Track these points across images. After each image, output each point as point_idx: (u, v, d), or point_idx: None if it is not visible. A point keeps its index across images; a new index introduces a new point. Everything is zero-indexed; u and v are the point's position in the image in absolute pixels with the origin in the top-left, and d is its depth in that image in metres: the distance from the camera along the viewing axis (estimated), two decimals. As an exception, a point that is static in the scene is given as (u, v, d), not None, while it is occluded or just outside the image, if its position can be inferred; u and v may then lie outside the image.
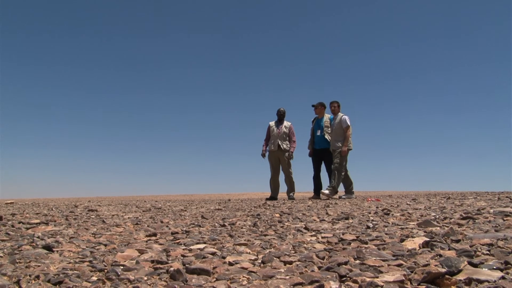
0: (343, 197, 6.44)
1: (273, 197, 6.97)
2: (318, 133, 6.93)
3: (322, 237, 1.71)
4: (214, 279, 1.08)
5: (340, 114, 6.67)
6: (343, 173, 6.48)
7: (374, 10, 27.50)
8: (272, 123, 7.19)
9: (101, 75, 26.14)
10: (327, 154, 6.76)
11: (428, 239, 1.43)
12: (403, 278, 0.97)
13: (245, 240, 1.68)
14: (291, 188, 6.97)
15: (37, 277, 1.08)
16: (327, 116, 7.02)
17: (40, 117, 24.48)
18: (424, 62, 26.98)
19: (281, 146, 6.86)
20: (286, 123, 7.04)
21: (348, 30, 28.74)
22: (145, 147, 26.73)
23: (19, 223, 2.53)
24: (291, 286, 0.97)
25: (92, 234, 2.02)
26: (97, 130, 26.02)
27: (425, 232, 1.70)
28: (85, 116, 25.60)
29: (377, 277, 1.00)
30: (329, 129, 6.87)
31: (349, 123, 6.50)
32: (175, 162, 26.12)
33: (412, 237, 1.56)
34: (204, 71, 28.76)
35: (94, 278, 1.10)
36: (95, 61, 26.41)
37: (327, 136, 6.79)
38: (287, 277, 1.05)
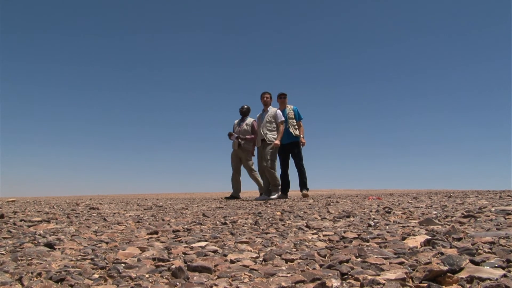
0: (258, 198, 6.12)
1: (233, 195, 6.70)
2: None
3: (323, 235, 1.71)
4: (216, 276, 1.08)
5: (272, 108, 6.30)
6: (275, 170, 6.11)
7: (374, 9, 27.39)
8: (236, 121, 6.92)
9: (103, 73, 26.16)
10: (295, 148, 6.28)
11: (430, 237, 1.43)
12: (405, 276, 0.97)
13: (246, 238, 1.69)
14: (259, 185, 6.61)
15: (39, 274, 1.09)
16: (290, 107, 6.46)
17: (41, 115, 24.52)
18: (425, 61, 26.91)
19: (241, 145, 6.60)
20: (248, 120, 6.74)
21: (348, 29, 28.64)
22: (146, 145, 26.76)
23: (21, 221, 2.54)
24: (293, 284, 0.97)
25: (94, 232, 2.02)
26: (98, 128, 26.07)
27: (426, 230, 1.70)
28: (87, 114, 25.64)
29: (379, 275, 1.00)
30: (294, 121, 6.34)
31: (283, 118, 6.16)
32: (176, 160, 26.14)
33: (414, 235, 1.56)
34: (204, 69, 28.74)
35: (96, 276, 1.10)
36: (96, 59, 26.42)
37: (292, 129, 6.25)
38: (289, 275, 1.05)
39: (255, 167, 6.64)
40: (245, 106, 6.86)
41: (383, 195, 6.55)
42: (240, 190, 6.82)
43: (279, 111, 6.23)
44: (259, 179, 6.61)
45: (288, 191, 6.40)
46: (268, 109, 6.32)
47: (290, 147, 6.31)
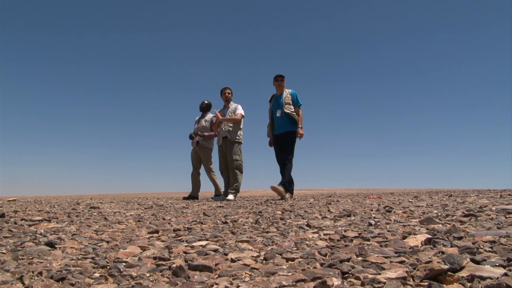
0: (216, 198, 5.85)
1: (192, 195, 6.38)
2: (278, 113, 5.52)
3: (324, 234, 1.71)
4: (217, 275, 1.08)
5: (234, 104, 5.96)
6: (242, 172, 5.74)
7: (375, 9, 27.35)
8: (197, 118, 6.68)
9: (103, 73, 26.17)
10: (287, 140, 5.45)
11: (430, 236, 1.43)
12: (406, 275, 0.97)
13: (247, 237, 1.69)
14: (216, 186, 6.40)
15: (40, 273, 1.09)
16: (287, 91, 5.59)
17: (42, 114, 24.55)
18: (426, 61, 26.88)
19: (200, 142, 6.36)
20: (207, 116, 6.47)
21: (349, 29, 28.61)
22: (147, 144, 26.77)
23: (22, 220, 2.54)
24: (294, 283, 0.97)
25: (94, 231, 2.02)
26: (98, 127, 26.09)
27: (427, 229, 1.69)
28: (87, 114, 25.66)
29: (380, 274, 1.00)
30: (291, 106, 5.46)
31: (242, 112, 5.83)
32: (177, 159, 26.16)
33: (414, 234, 1.56)
34: (205, 67, 28.73)
35: (97, 275, 1.10)
36: (96, 59, 26.44)
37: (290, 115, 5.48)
38: (290, 274, 1.05)
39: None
40: (205, 102, 6.57)
41: (383, 194, 6.55)
42: (199, 190, 6.51)
43: (240, 106, 5.89)
44: (217, 180, 6.39)
45: (293, 188, 5.51)
46: (229, 105, 6.03)
47: (283, 138, 5.51)
